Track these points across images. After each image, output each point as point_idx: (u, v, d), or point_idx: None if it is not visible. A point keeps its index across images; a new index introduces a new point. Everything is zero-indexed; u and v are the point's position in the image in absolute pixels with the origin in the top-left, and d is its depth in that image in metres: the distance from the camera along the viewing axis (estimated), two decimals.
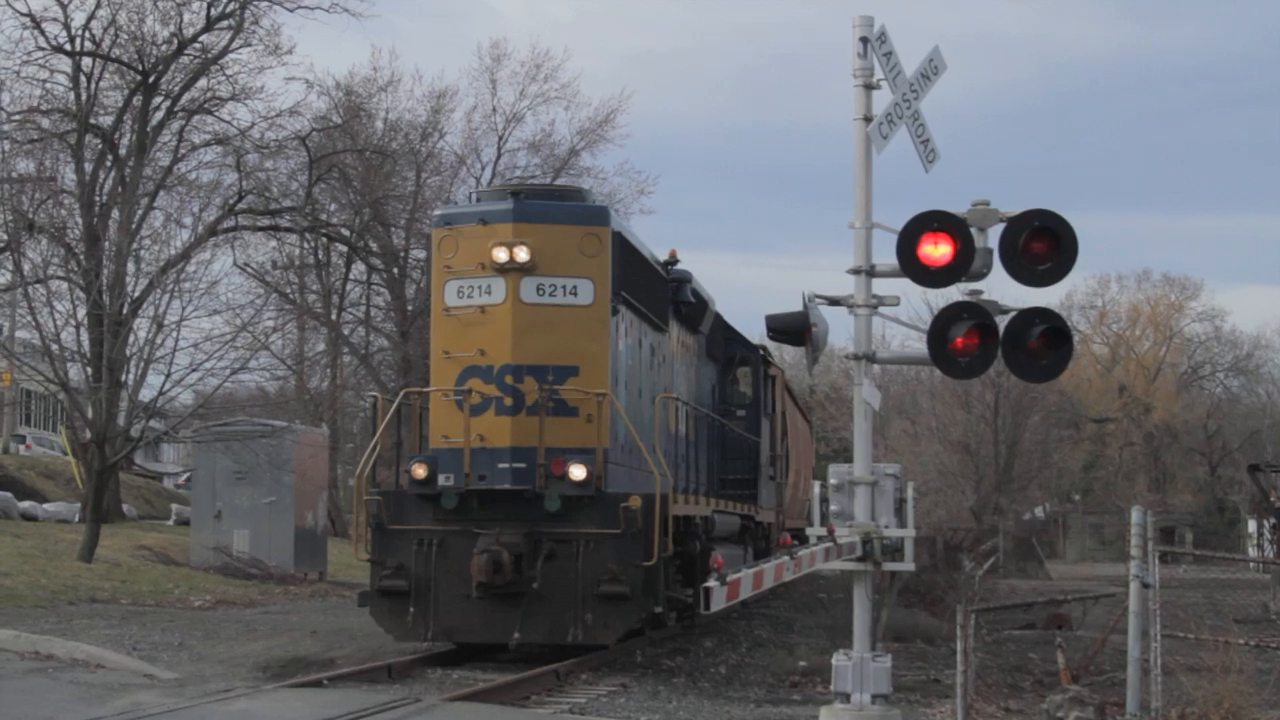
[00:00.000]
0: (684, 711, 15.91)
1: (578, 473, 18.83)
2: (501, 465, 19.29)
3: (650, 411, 21.55)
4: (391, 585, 18.97)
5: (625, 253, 20.49)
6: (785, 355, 55.87)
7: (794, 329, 15.24)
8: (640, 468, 19.82)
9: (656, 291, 22.65)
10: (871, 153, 14.82)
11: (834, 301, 15.08)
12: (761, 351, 30.60)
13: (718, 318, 28.26)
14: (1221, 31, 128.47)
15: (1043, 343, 14.33)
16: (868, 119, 14.79)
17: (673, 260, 23.81)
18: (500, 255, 19.45)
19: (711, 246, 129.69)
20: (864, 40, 14.78)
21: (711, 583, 12.11)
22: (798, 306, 15.20)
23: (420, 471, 19.21)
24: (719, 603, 12.26)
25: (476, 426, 19.31)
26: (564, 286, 19.64)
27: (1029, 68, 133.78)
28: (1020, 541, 55.26)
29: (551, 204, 20.48)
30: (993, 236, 14.35)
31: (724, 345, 28.97)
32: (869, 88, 14.86)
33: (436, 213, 22.26)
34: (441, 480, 19.23)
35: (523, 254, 19.45)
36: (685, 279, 23.99)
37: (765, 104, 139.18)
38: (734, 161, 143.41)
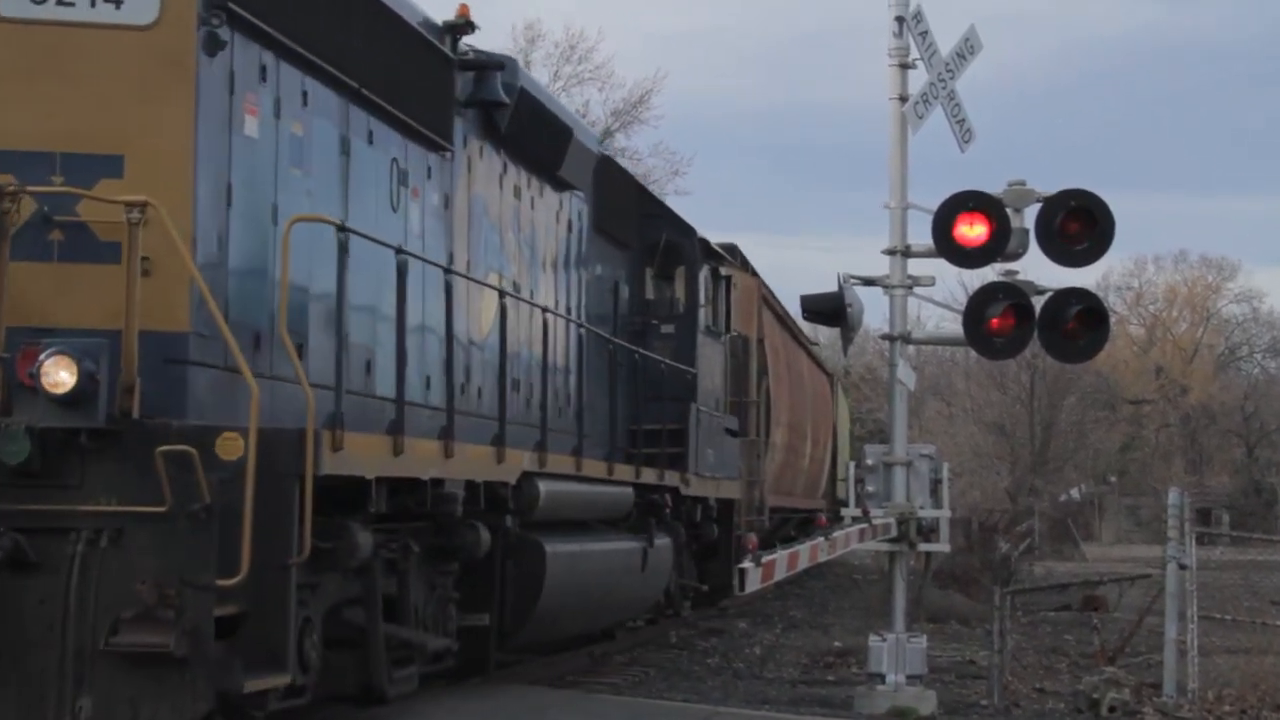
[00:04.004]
0: (718, 691, 15.92)
1: (59, 376, 8.91)
2: None
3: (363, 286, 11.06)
4: None
5: None
6: (822, 333, 55.66)
7: (829, 310, 15.24)
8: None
9: (406, 58, 12.34)
10: (907, 133, 14.82)
11: (869, 282, 15.09)
12: (705, 243, 20.02)
13: (617, 171, 18.87)
14: (1250, 8, 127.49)
15: (1079, 323, 14.32)
16: (903, 99, 14.78)
17: (463, 23, 13.37)
18: None
19: (746, 228, 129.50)
20: (899, 20, 14.77)
21: (746, 563, 12.13)
22: (833, 288, 15.21)
23: None
24: (753, 584, 12.29)
25: None
26: None
27: (1054, 46, 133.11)
28: (1056, 523, 55.08)
29: None
30: (1028, 217, 14.33)
31: (638, 223, 18.96)
32: (904, 67, 14.85)
33: None
34: None
35: None
36: (491, 63, 13.68)
37: (795, 83, 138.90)
38: (767, 142, 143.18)
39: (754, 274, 26.10)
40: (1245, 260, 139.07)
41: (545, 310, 14.74)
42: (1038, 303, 14.37)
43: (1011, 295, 14.27)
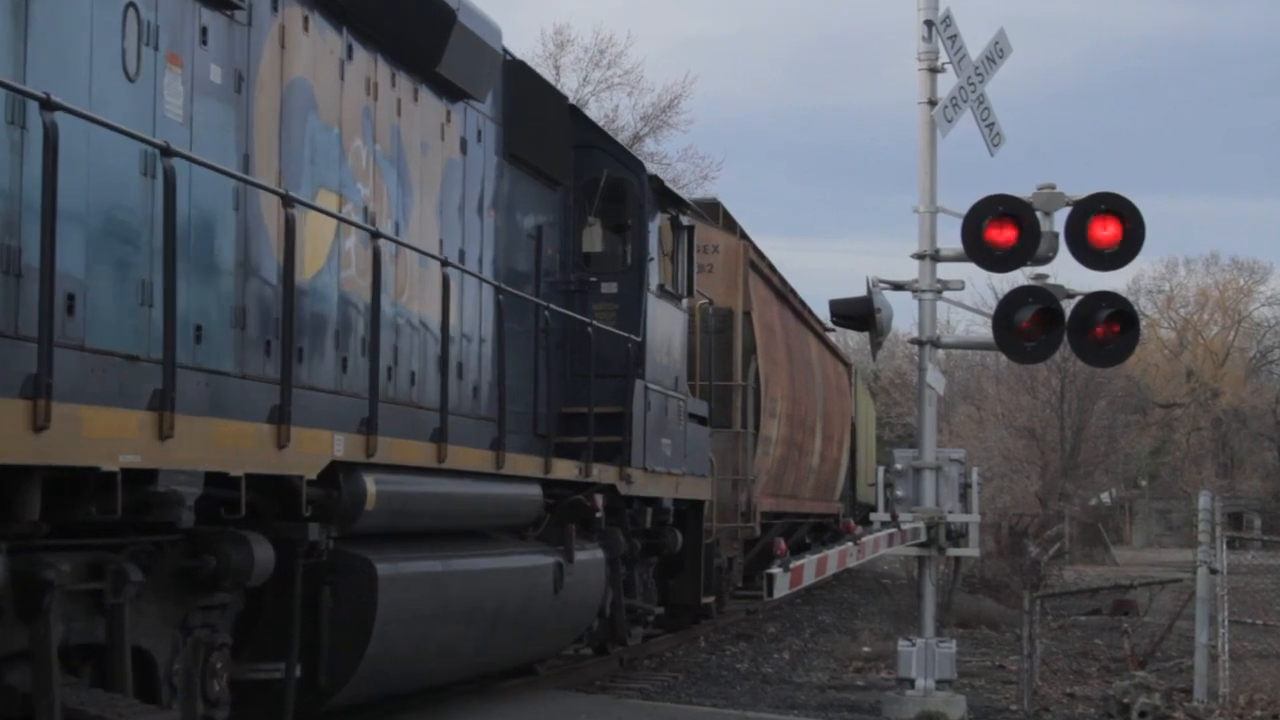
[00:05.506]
0: (747, 696, 15.90)
1: None
2: None
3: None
4: None
5: None
6: (851, 338, 55.55)
7: (858, 314, 15.21)
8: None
9: None
10: (936, 136, 14.79)
11: (898, 286, 15.07)
12: (658, 182, 16.25)
13: (538, 84, 14.91)
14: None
15: (1109, 327, 14.27)
16: (932, 102, 14.76)
17: None
18: None
19: (772, 231, 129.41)
20: (928, 23, 14.75)
21: (775, 569, 12.09)
22: (860, 291, 15.18)
23: None
24: (781, 589, 12.26)
25: None
26: None
27: (1081, 49, 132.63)
28: (1086, 527, 54.89)
29: None
30: (1058, 220, 14.30)
31: (571, 156, 15.33)
32: (933, 71, 14.83)
33: None
34: None
35: None
36: None
37: (822, 87, 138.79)
38: (792, 146, 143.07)
39: (742, 236, 22.69)
40: (1277, 263, 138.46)
41: (376, 235, 10.33)
42: (1068, 306, 14.32)
43: (1041, 299, 14.23)
